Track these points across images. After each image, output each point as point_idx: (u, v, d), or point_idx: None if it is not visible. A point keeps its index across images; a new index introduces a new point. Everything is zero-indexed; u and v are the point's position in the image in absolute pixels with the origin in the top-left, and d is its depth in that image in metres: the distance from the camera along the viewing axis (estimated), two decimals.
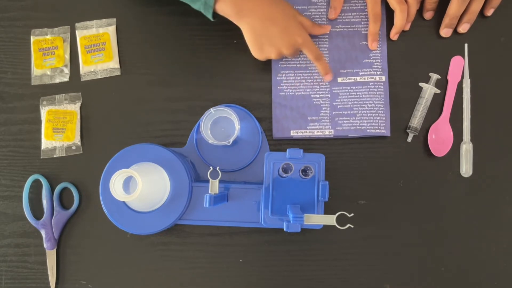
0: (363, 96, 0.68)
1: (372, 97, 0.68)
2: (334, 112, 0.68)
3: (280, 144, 0.68)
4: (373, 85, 0.68)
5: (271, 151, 0.66)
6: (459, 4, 0.66)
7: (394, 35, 0.68)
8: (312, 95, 0.69)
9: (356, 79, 0.68)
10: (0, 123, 0.70)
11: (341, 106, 0.68)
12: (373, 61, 0.68)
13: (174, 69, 0.70)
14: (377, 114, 0.67)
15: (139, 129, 0.69)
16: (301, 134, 0.68)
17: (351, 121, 0.68)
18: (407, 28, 0.69)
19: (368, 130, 0.67)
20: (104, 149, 0.68)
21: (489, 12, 0.69)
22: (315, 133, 0.68)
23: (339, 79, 0.69)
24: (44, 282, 0.67)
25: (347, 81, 0.68)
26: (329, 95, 0.68)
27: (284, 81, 0.69)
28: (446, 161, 0.67)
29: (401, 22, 0.67)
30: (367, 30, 0.69)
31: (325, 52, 0.69)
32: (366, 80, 0.68)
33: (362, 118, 0.67)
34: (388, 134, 0.67)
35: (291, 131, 0.68)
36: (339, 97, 0.68)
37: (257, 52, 0.65)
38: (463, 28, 0.68)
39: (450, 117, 0.68)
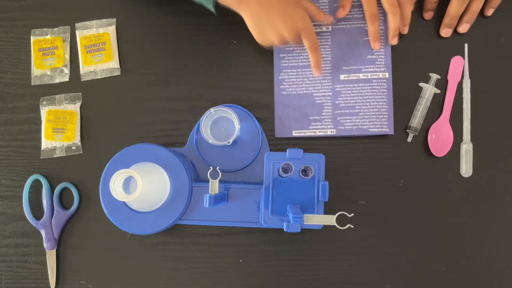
0: (366, 94, 0.67)
1: (375, 95, 0.67)
2: (336, 111, 0.68)
3: (280, 144, 0.68)
4: (376, 83, 0.67)
5: (272, 150, 0.66)
6: (459, 4, 0.66)
7: (391, 39, 0.67)
8: (314, 94, 0.68)
9: (359, 76, 0.68)
10: (0, 123, 0.70)
11: (343, 104, 0.68)
12: (376, 57, 0.68)
13: (174, 69, 0.70)
14: (380, 113, 0.67)
15: (139, 129, 0.69)
16: (303, 134, 0.68)
17: (353, 120, 0.67)
18: (405, 31, 0.68)
19: (371, 129, 0.67)
20: (104, 149, 0.68)
21: (489, 12, 0.69)
22: (317, 133, 0.68)
23: (342, 77, 0.68)
24: (44, 282, 0.67)
25: (350, 78, 0.68)
26: (331, 94, 0.68)
27: (286, 80, 0.69)
28: (446, 161, 0.67)
29: (394, 24, 0.66)
30: None
31: (327, 49, 0.69)
32: (369, 77, 0.68)
33: (365, 117, 0.67)
34: (392, 132, 0.66)
35: (293, 131, 0.68)
36: (341, 95, 0.68)
37: (260, 37, 0.64)
38: (463, 28, 0.68)
39: (450, 117, 0.68)
